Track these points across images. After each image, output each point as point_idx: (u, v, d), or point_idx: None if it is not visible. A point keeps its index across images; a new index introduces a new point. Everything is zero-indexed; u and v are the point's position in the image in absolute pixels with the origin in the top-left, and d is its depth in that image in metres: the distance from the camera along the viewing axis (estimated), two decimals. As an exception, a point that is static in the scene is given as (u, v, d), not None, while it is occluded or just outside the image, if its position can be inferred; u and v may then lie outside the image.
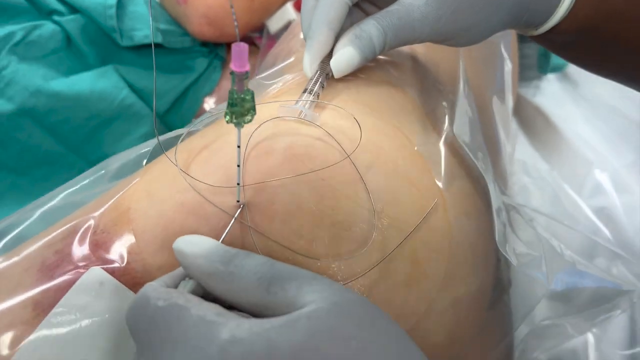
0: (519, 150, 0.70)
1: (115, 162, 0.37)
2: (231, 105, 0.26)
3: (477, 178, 0.40)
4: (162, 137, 0.36)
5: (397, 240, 0.32)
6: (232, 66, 0.25)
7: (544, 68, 0.79)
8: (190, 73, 0.72)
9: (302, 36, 0.51)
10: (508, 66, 0.58)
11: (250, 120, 0.27)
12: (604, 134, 0.75)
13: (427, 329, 0.33)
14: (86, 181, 0.36)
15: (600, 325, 0.48)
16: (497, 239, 0.37)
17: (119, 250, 0.31)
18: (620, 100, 0.78)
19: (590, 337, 0.50)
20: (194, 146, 0.34)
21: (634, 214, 0.64)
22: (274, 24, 0.71)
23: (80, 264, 0.30)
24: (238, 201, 0.30)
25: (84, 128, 0.62)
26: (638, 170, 0.69)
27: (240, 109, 0.26)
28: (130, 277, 0.30)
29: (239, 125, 0.27)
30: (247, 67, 0.25)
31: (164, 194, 0.32)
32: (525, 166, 0.65)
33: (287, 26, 0.71)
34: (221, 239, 0.29)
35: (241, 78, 0.25)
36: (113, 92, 0.64)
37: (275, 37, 0.73)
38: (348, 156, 0.33)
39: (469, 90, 0.45)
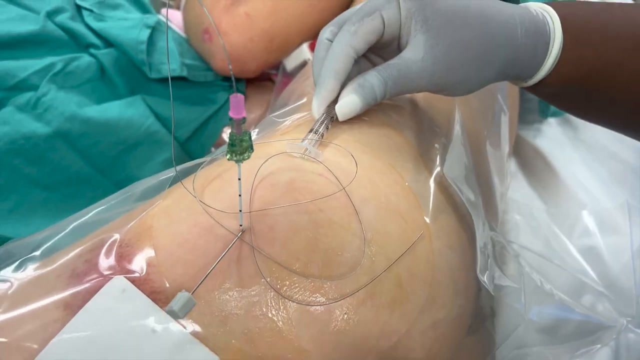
0: (516, 189, 0.74)
1: (140, 186, 0.42)
2: (231, 145, 0.31)
3: (463, 215, 0.44)
4: (181, 167, 0.41)
5: (384, 265, 0.36)
6: (231, 113, 0.29)
7: (544, 112, 0.83)
8: (212, 105, 0.78)
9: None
10: (504, 114, 0.62)
11: (248, 158, 0.31)
12: (600, 176, 0.79)
13: (408, 346, 0.37)
14: (114, 201, 0.41)
15: (581, 357, 0.51)
16: (478, 270, 0.41)
17: (140, 262, 0.35)
18: (619, 145, 0.81)
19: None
20: (210, 174, 0.39)
21: (621, 254, 0.67)
22: (290, 62, 0.76)
23: (106, 272, 0.35)
24: (241, 225, 0.35)
25: (112, 152, 0.67)
26: (628, 211, 0.72)
27: (239, 148, 0.31)
28: (149, 287, 0.34)
29: (238, 161, 0.31)
30: (244, 114, 0.29)
31: (181, 215, 0.37)
32: (517, 204, 0.68)
33: (302, 65, 0.76)
34: (217, 261, 0.33)
35: (239, 123, 0.30)
36: (140, 120, 0.70)
37: (290, 75, 0.79)
38: (344, 188, 0.38)
39: (463, 133, 0.50)
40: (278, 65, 0.80)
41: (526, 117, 0.84)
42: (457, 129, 0.48)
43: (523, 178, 0.79)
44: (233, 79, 0.31)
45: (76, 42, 0.70)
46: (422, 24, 0.41)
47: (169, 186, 0.43)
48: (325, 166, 0.39)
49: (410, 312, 0.37)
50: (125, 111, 0.69)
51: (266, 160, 0.38)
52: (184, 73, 0.73)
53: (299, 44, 0.75)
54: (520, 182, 0.77)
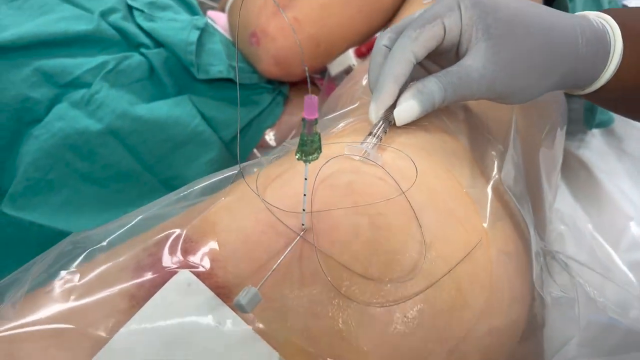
0: (559, 200, 0.73)
1: (201, 182, 0.42)
2: (302, 145, 0.31)
3: (519, 222, 0.44)
4: (243, 164, 0.41)
5: (443, 270, 0.37)
6: (304, 114, 0.30)
7: (589, 123, 0.82)
8: (256, 107, 0.79)
9: (364, 83, 0.57)
10: (560, 128, 0.62)
11: (317, 158, 0.32)
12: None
13: (465, 351, 0.37)
14: (175, 197, 0.42)
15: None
16: (534, 278, 0.40)
17: (204, 257, 0.36)
18: (664, 157, 0.80)
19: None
20: (271, 173, 0.40)
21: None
22: (335, 67, 0.77)
23: (171, 266, 0.36)
24: (303, 224, 0.35)
25: (159, 150, 0.69)
26: None
27: (309, 148, 0.31)
28: (213, 282, 0.35)
29: (307, 161, 0.32)
30: (317, 115, 0.30)
31: (244, 213, 0.37)
32: (561, 215, 0.68)
33: (347, 70, 0.77)
34: (281, 258, 0.34)
35: (311, 124, 0.30)
36: (187, 119, 0.71)
37: (334, 80, 0.79)
38: (403, 192, 0.38)
39: (518, 141, 0.50)
40: (323, 70, 0.80)
41: (570, 127, 0.83)
42: (512, 135, 0.48)
43: (566, 189, 0.78)
44: (308, 78, 0.31)
45: (127, 42, 0.72)
46: (484, 32, 0.41)
47: (231, 183, 0.43)
48: (385, 169, 0.39)
49: (468, 317, 0.37)
50: (174, 110, 0.70)
51: (327, 162, 0.39)
52: (231, 75, 0.74)
53: (345, 50, 0.76)
54: (564, 193, 0.76)
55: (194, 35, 0.73)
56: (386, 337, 0.35)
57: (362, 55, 0.74)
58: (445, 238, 0.38)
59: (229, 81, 0.77)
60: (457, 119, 0.49)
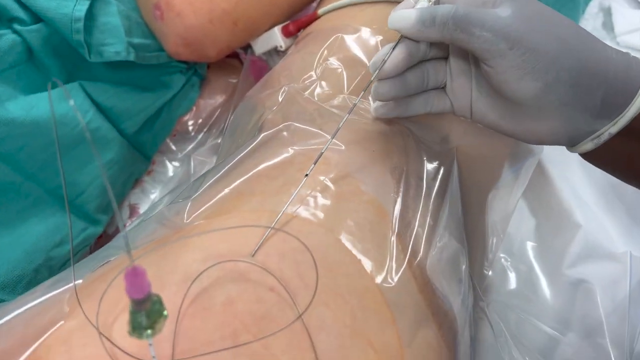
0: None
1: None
2: (134, 320, 0.22)
3: (446, 313, 0.37)
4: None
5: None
6: (128, 293, 0.20)
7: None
8: (166, 90, 0.67)
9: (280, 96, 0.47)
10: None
11: (160, 330, 0.23)
12: (598, 185, 0.72)
13: None
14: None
15: None
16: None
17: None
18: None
19: None
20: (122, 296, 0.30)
21: (615, 288, 0.61)
22: (259, 46, 0.65)
23: None
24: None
25: (42, 155, 0.57)
26: (626, 234, 0.65)
27: (147, 322, 0.22)
28: None
29: (144, 338, 0.23)
30: (146, 291, 0.21)
31: (84, 352, 0.28)
32: (509, 240, 0.61)
33: (272, 51, 0.65)
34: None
35: (141, 302, 0.21)
36: (76, 115, 0.59)
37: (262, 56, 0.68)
38: (300, 315, 0.30)
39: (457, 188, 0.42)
40: (246, 47, 0.68)
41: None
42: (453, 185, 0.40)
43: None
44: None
45: (-5, 16, 0.58)
46: None
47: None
48: (277, 279, 0.30)
49: None
50: (58, 106, 0.58)
51: (199, 275, 0.30)
52: (131, 56, 0.61)
53: (269, 28, 0.63)
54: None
55: (82, 7, 0.59)
56: None
57: (289, 34, 0.62)
58: (349, 368, 0.30)
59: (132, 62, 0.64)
60: (384, 167, 0.40)
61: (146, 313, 0.22)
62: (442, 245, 0.38)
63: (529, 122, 0.37)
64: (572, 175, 0.72)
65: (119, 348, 0.27)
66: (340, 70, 0.47)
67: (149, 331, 0.22)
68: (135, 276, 0.20)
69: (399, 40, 0.37)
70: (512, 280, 0.56)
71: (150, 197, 0.67)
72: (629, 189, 0.74)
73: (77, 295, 0.30)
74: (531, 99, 0.35)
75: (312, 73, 0.49)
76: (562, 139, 0.37)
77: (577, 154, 0.40)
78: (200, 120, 0.69)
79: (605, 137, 0.35)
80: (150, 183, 0.68)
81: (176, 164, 0.69)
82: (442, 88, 0.42)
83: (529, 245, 0.61)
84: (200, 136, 0.69)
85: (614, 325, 0.58)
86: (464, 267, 0.41)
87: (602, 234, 0.66)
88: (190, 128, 0.68)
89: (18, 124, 0.55)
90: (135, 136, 0.66)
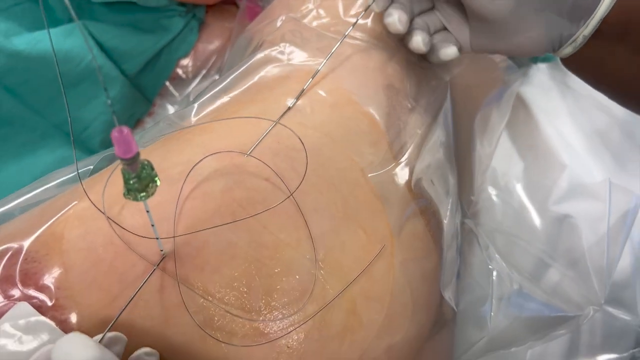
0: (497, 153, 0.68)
1: (53, 180, 0.35)
2: (127, 182, 0.24)
3: (434, 213, 0.39)
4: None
5: (337, 289, 0.32)
6: (117, 153, 0.22)
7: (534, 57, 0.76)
8: (166, 33, 0.68)
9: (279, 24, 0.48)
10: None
11: (152, 194, 0.25)
12: (585, 131, 0.74)
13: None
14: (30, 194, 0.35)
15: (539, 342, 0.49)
16: (441, 284, 0.36)
17: (48, 283, 0.30)
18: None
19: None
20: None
21: (597, 224, 0.64)
22: (256, -12, 0.66)
23: (8, 294, 0.30)
24: (161, 250, 0.29)
25: (47, 90, 0.59)
26: (609, 188, 0.68)
27: (139, 185, 0.24)
28: (58, 314, 0.29)
29: (139, 199, 0.25)
30: (134, 152, 0.22)
31: (98, 225, 0.31)
32: (495, 175, 0.63)
33: (269, -7, 0.66)
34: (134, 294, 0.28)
35: (131, 162, 0.23)
36: (80, 52, 0.60)
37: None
38: (291, 194, 0.32)
39: (450, 107, 0.44)
40: (243, -10, 0.69)
41: (514, 60, 0.77)
42: (443, 110, 0.42)
43: (505, 130, 0.73)
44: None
45: (-1, -48, 0.59)
46: None
47: (92, 172, 0.36)
48: (272, 169, 0.33)
49: (362, 339, 0.33)
50: (63, 42, 0.59)
51: (198, 162, 0.32)
52: (132, -4, 0.63)
53: (266, -31, 0.65)
54: (503, 136, 0.71)
55: (84, -55, 0.60)
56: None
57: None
58: (341, 249, 0.33)
59: (133, 3, 0.66)
60: (376, 83, 0.42)
61: (137, 177, 0.24)
62: (430, 157, 0.40)
63: (516, 37, 0.39)
64: (561, 124, 0.74)
65: (122, 227, 0.30)
66: None
67: (143, 194, 0.24)
68: (121, 135, 0.22)
69: None
70: (501, 210, 0.59)
71: (151, 137, 0.69)
72: (615, 136, 0.77)
73: (80, 182, 0.32)
74: (509, 14, 0.37)
75: (310, 5, 0.50)
76: (547, 46, 0.39)
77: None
78: (198, 63, 0.70)
79: (580, 39, 0.38)
80: (151, 124, 0.70)
81: (177, 106, 0.71)
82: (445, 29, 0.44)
83: (517, 184, 0.63)
84: (198, 79, 0.71)
85: (595, 257, 0.60)
86: (452, 182, 0.43)
87: (587, 175, 0.68)
88: (190, 70, 0.70)
89: (24, 57, 0.56)
90: (137, 78, 0.68)
